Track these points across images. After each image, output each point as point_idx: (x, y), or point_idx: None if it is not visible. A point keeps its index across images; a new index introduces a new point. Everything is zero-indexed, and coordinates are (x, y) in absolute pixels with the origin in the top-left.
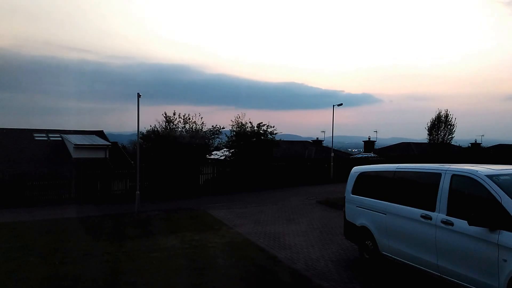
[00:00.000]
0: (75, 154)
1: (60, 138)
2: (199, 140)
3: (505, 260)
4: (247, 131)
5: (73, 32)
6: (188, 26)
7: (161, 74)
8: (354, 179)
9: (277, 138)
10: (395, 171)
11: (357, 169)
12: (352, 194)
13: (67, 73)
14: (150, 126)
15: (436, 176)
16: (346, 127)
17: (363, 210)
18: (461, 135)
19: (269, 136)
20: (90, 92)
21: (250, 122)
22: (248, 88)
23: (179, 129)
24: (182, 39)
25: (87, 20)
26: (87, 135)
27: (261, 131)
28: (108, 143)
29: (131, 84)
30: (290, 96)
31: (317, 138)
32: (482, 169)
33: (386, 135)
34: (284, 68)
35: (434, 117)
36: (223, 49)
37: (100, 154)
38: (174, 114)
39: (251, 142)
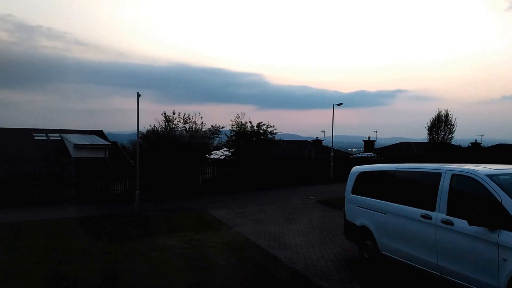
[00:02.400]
0: (74, 154)
1: (59, 138)
2: (199, 140)
3: (505, 260)
4: (247, 130)
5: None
6: (188, 28)
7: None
8: (354, 179)
9: (277, 138)
10: (395, 171)
11: (357, 169)
12: (352, 193)
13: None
14: (150, 125)
15: (436, 176)
16: (346, 127)
17: (363, 209)
18: (461, 135)
19: (269, 135)
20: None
21: (250, 121)
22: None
23: (179, 129)
24: (179, 39)
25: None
26: (86, 135)
27: (261, 130)
28: (107, 142)
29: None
30: (291, 97)
31: (317, 138)
32: (482, 169)
33: (386, 135)
34: (284, 69)
35: (434, 116)
36: (225, 49)
37: (100, 154)
38: (173, 113)
39: (251, 142)
